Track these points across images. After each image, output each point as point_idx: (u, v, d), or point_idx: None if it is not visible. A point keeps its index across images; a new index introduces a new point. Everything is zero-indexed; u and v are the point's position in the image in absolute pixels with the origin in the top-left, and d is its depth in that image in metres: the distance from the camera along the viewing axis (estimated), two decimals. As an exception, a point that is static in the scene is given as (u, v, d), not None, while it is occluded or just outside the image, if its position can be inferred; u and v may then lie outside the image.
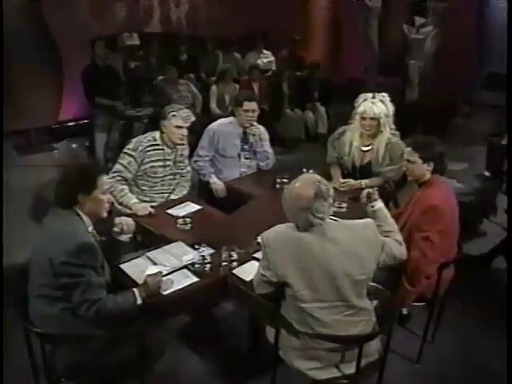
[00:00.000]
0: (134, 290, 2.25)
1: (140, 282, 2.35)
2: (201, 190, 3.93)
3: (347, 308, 2.10)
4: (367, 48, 7.85)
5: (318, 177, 2.13)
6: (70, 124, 6.91)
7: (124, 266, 2.53)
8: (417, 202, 2.75)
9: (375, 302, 2.27)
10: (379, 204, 2.51)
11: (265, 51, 7.94)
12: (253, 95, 3.98)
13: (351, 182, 3.64)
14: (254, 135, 3.85)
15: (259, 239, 2.22)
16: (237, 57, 7.74)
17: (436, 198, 2.64)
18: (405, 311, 3.12)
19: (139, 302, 2.23)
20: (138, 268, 2.50)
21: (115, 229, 2.51)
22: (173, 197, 3.46)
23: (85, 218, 2.26)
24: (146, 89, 5.84)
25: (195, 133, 3.99)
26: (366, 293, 2.17)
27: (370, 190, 2.55)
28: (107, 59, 5.64)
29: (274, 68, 7.82)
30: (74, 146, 6.64)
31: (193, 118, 3.40)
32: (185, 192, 3.53)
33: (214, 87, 6.57)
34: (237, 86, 6.64)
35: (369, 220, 2.25)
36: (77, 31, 6.44)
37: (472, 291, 3.48)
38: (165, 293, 2.34)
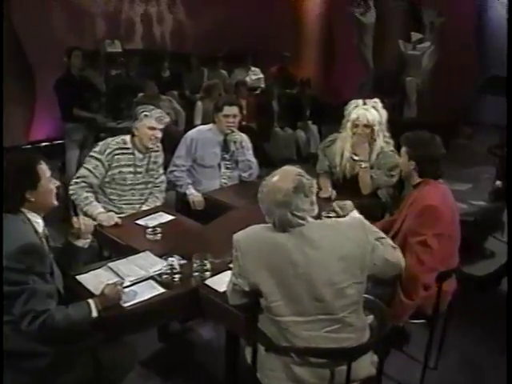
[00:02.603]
0: (89, 300, 2.08)
1: (98, 293, 2.18)
2: (178, 204, 3.79)
3: (329, 323, 1.91)
4: (362, 65, 7.92)
5: (300, 170, 1.98)
6: (42, 144, 6.82)
7: (81, 277, 2.36)
8: (412, 204, 2.62)
9: (371, 318, 2.10)
10: (355, 215, 2.45)
11: (253, 68, 7.98)
12: (234, 99, 3.90)
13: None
14: (235, 142, 3.74)
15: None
16: (223, 74, 7.75)
17: (432, 198, 2.52)
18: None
19: (94, 314, 2.05)
20: (97, 279, 2.34)
21: (71, 231, 2.34)
22: (144, 208, 3.32)
23: (32, 216, 2.09)
24: (127, 98, 5.77)
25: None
26: (361, 306, 1.99)
27: (342, 202, 2.59)
28: (84, 70, 5.59)
29: (262, 85, 7.83)
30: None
31: (167, 119, 3.31)
32: (158, 203, 3.39)
33: (199, 103, 6.52)
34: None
35: (357, 217, 2.10)
36: (52, 45, 6.45)
37: (475, 308, 3.35)
38: (125, 305, 2.17)
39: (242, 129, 3.99)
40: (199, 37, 8.13)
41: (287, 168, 2.00)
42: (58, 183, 2.18)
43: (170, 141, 3.86)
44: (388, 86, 7.57)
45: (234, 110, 3.69)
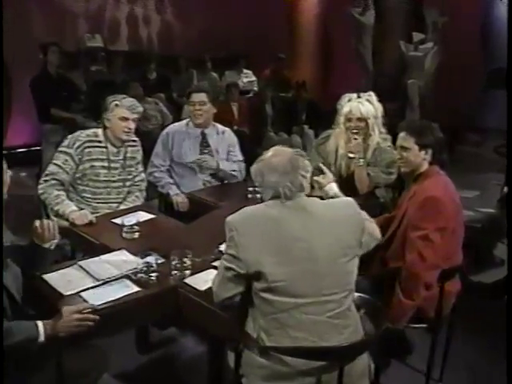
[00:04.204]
0: (39, 323, 1.92)
1: (65, 293, 2.15)
2: (161, 206, 3.74)
3: (332, 305, 1.92)
4: (361, 67, 7.91)
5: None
6: (19, 150, 6.77)
7: (48, 276, 2.29)
8: (412, 197, 2.57)
9: (362, 311, 2.10)
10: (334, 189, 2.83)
11: (245, 70, 8.00)
12: (204, 87, 3.84)
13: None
14: (208, 151, 3.67)
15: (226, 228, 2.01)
16: (214, 76, 7.75)
17: (435, 190, 2.48)
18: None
19: (41, 339, 1.90)
20: (66, 278, 2.29)
21: (35, 234, 2.24)
22: (122, 207, 3.25)
23: None
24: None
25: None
26: (354, 291, 2.00)
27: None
28: (62, 67, 5.54)
29: (255, 89, 7.84)
30: (23, 174, 6.46)
31: (140, 109, 3.25)
32: (138, 203, 3.32)
33: (186, 107, 6.47)
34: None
35: (349, 198, 2.15)
36: (31, 44, 6.42)
37: (484, 314, 3.31)
38: (95, 304, 2.09)
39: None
40: (189, 38, 8.16)
41: (280, 147, 2.09)
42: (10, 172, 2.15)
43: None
44: (389, 89, 7.51)
45: (201, 96, 3.62)
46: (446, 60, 7.56)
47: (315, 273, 1.89)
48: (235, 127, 5.93)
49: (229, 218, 1.97)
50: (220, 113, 5.21)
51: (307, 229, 1.92)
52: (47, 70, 5.37)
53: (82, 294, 2.17)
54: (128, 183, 3.33)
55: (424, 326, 2.58)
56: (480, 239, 4.41)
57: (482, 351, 3.06)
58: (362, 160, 3.46)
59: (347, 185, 3.56)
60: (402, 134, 2.68)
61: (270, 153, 2.04)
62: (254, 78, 8.02)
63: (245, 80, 7.88)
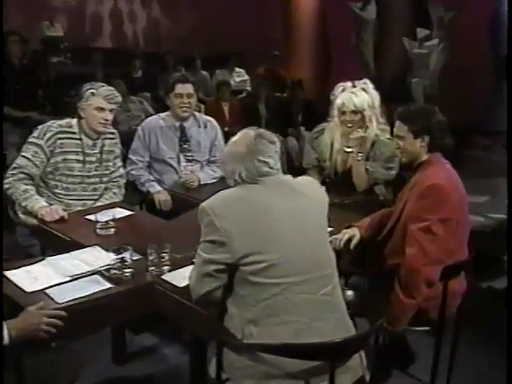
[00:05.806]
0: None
1: (28, 290, 2.10)
2: (142, 206, 3.68)
3: (325, 281, 1.95)
4: (361, 66, 7.93)
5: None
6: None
7: (11, 273, 2.23)
8: (413, 188, 2.53)
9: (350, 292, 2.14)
10: None
11: (237, 69, 8.02)
12: (188, 77, 3.79)
13: None
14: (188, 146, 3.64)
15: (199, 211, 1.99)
16: (204, 75, 7.77)
17: (437, 178, 2.43)
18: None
19: (6, 342, 1.82)
20: (31, 275, 2.25)
21: None
22: (98, 204, 3.19)
23: None
24: (75, 90, 5.67)
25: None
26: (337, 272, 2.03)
27: None
28: (25, 58, 5.48)
29: (248, 88, 7.85)
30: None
31: (119, 98, 3.20)
32: (116, 200, 3.27)
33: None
34: (202, 106, 6.57)
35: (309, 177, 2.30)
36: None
37: (493, 318, 3.25)
38: (61, 301, 2.04)
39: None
40: (177, 35, 8.19)
41: (247, 129, 2.09)
42: None
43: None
44: (391, 88, 7.54)
45: (188, 88, 3.59)
46: (453, 58, 7.59)
47: (306, 247, 1.92)
48: (226, 128, 5.90)
49: (203, 204, 1.96)
50: (210, 113, 5.22)
51: (289, 203, 1.96)
52: (10, 62, 5.30)
53: (48, 290, 2.12)
54: (105, 179, 3.28)
55: (427, 328, 2.53)
56: (490, 245, 4.39)
57: (491, 358, 2.99)
58: (360, 154, 3.42)
59: (344, 182, 3.53)
60: (396, 123, 2.67)
61: (233, 139, 2.07)
62: (246, 77, 8.06)
63: (237, 79, 7.92)
